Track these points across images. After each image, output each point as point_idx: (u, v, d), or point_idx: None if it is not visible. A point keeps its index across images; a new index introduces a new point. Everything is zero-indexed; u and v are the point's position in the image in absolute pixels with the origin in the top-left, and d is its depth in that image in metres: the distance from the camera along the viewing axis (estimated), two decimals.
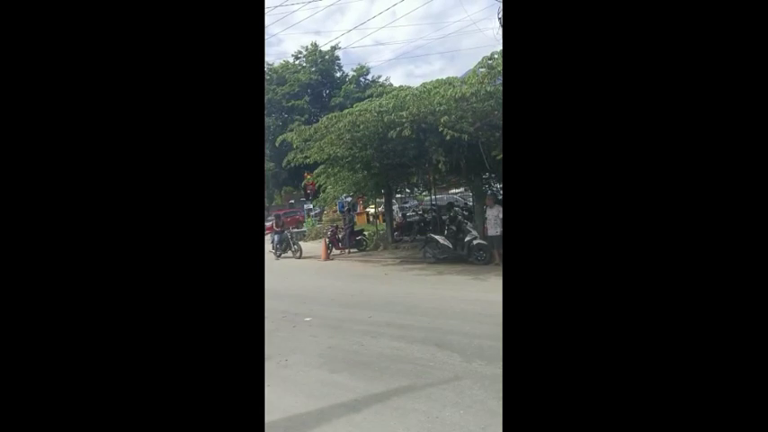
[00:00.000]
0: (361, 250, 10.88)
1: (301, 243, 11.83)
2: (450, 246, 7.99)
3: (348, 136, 8.02)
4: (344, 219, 11.75)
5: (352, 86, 22.54)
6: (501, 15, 9.17)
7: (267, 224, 15.42)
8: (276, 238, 11.14)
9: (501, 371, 2.91)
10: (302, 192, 17.42)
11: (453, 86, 6.90)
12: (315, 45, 23.90)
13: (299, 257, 10.62)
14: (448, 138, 6.60)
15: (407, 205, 15.96)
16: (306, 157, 9.32)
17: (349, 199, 14.07)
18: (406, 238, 11.63)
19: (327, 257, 10.29)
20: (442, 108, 6.74)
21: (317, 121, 8.64)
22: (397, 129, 6.83)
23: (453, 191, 15.09)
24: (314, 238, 13.96)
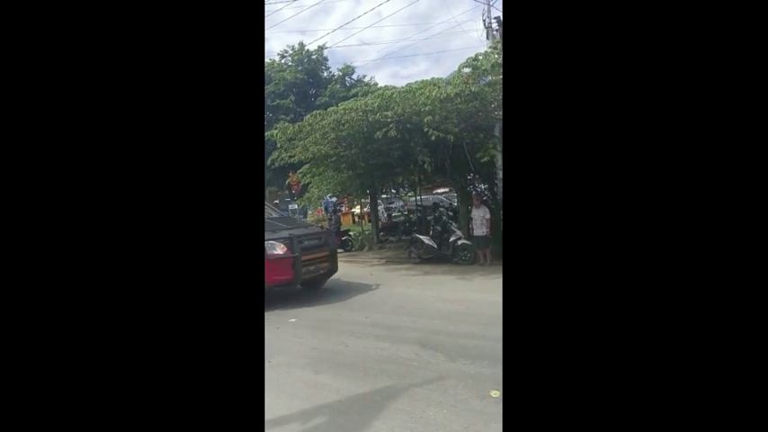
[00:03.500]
0: (346, 250, 10.83)
1: None
2: (435, 246, 8.03)
3: (333, 135, 7.98)
4: (330, 219, 11.69)
5: (337, 86, 22.45)
6: (486, 17, 9.26)
7: None
8: None
9: (484, 370, 2.95)
10: (286, 192, 17.30)
11: (438, 87, 6.93)
12: (302, 44, 23.77)
13: None
14: (433, 138, 6.62)
15: (393, 206, 15.98)
16: (290, 156, 9.23)
17: (334, 199, 14.03)
18: (391, 238, 11.65)
19: None
20: (426, 108, 6.76)
21: (303, 120, 8.56)
22: (383, 129, 6.83)
23: (438, 191, 15.17)
24: None
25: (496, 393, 2.59)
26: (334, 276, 6.50)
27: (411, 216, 12.49)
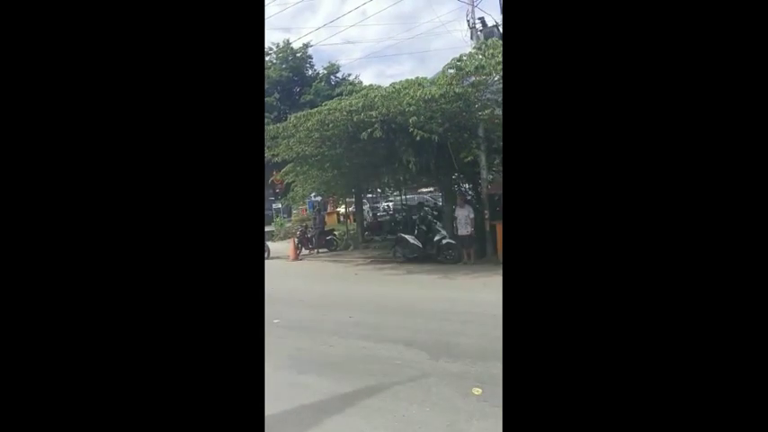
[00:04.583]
0: (331, 250, 10.80)
1: (269, 243, 11.61)
2: (420, 245, 8.07)
3: (317, 135, 7.95)
4: (314, 218, 11.63)
5: (322, 84, 22.35)
6: (470, 18, 9.33)
7: None
8: None
9: (467, 368, 2.98)
10: (269, 190, 17.13)
11: (422, 87, 6.96)
12: (287, 42, 23.56)
13: (267, 258, 10.41)
14: (418, 138, 6.65)
15: (378, 205, 15.98)
16: (274, 155, 9.16)
17: (319, 198, 13.95)
18: (376, 237, 11.65)
19: (296, 258, 10.15)
20: (411, 108, 6.79)
21: (287, 118, 8.50)
22: (369, 130, 6.83)
23: (423, 190, 15.24)
24: (282, 238, 13.74)
25: (478, 391, 2.62)
26: (317, 276, 6.47)
27: (396, 215, 12.51)
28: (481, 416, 2.34)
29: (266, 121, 9.28)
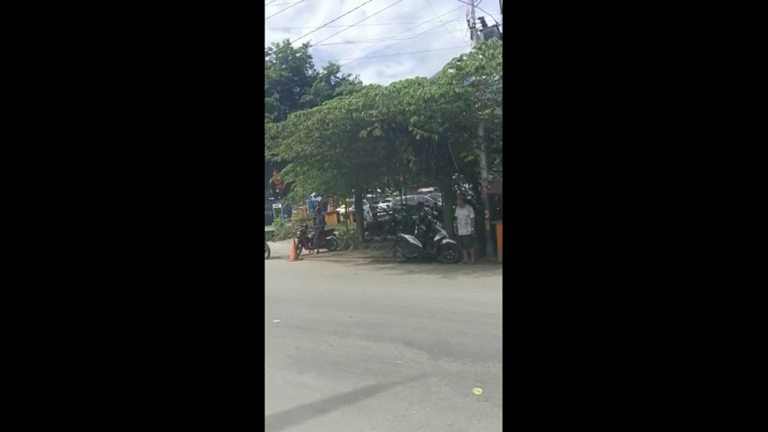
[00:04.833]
0: (331, 250, 10.80)
1: (270, 243, 11.61)
2: (420, 245, 8.08)
3: (317, 134, 7.94)
4: (314, 218, 11.64)
5: (322, 84, 22.39)
6: (470, 17, 9.33)
7: None
8: None
9: (467, 367, 2.98)
10: (269, 190, 17.14)
11: (422, 87, 6.97)
12: (287, 42, 23.60)
13: (268, 257, 10.42)
14: (418, 138, 6.66)
15: (378, 205, 15.99)
16: (274, 155, 9.16)
17: (319, 198, 13.96)
18: (376, 237, 11.66)
19: (296, 258, 10.15)
20: (411, 108, 6.79)
21: (287, 118, 8.50)
22: (368, 129, 6.83)
23: (423, 190, 15.24)
24: (282, 238, 13.74)
25: (479, 391, 2.62)
26: (318, 275, 6.47)
27: (396, 215, 12.51)
28: (481, 416, 2.34)
29: (266, 120, 9.25)
